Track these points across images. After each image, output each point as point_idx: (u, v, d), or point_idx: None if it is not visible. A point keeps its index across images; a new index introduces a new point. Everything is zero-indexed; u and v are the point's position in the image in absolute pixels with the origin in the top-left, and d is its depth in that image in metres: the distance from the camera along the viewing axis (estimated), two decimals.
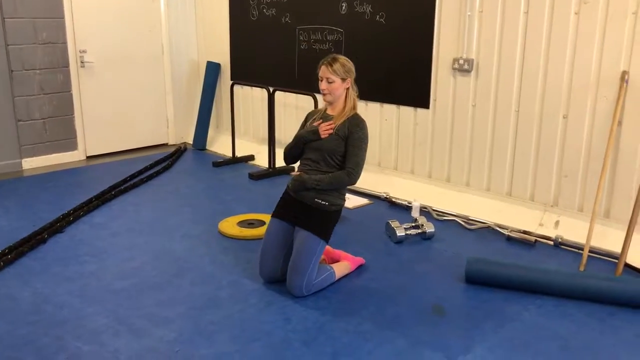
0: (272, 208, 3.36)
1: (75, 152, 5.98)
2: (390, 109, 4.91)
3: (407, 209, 4.48)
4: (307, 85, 5.40)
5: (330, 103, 3.30)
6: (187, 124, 6.84)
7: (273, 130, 5.60)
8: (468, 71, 4.35)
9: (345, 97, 3.27)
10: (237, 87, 6.12)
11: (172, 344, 2.67)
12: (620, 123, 3.67)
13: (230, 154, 6.18)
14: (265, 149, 5.97)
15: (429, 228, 3.93)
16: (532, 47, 4.01)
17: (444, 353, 2.62)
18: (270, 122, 5.59)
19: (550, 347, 2.67)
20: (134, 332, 2.77)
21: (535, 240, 3.88)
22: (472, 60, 4.31)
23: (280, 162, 5.62)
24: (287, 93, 5.68)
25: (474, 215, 4.30)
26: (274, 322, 2.87)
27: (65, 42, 5.71)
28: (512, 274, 3.19)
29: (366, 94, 4.97)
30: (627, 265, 3.45)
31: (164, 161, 5.94)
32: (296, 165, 3.44)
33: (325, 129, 3.20)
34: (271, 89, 5.53)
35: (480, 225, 4.18)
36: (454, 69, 4.43)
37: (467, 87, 4.39)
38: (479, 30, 4.26)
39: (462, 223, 4.23)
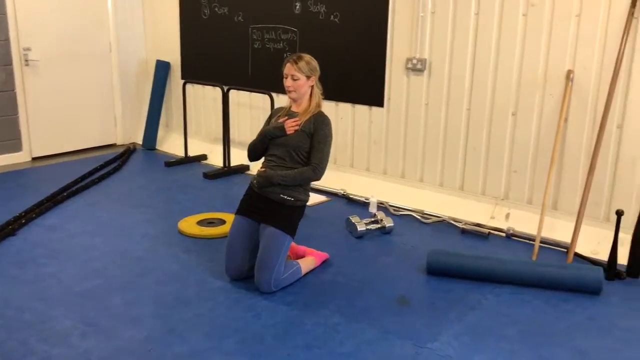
0: (230, 207, 3.38)
1: (20, 153, 5.78)
2: (345, 107, 5.00)
3: (365, 205, 4.57)
4: (261, 83, 5.43)
5: (295, 100, 3.34)
6: (136, 124, 6.72)
7: (228, 129, 5.59)
8: (421, 71, 4.49)
9: (310, 94, 3.33)
10: (187, 86, 6.06)
11: (144, 343, 2.65)
12: (566, 119, 3.88)
13: (181, 154, 6.12)
14: (217, 148, 5.95)
15: (388, 223, 4.04)
16: (482, 48, 4.18)
17: (413, 341, 2.71)
18: (225, 121, 5.57)
19: (511, 332, 2.81)
20: (103, 332, 2.73)
21: (489, 233, 4.05)
22: (425, 60, 4.45)
23: (235, 161, 5.62)
24: (240, 92, 5.67)
25: (428, 209, 4.44)
26: (244, 319, 2.89)
27: (7, 40, 5.50)
28: (471, 265, 3.33)
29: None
30: (576, 254, 3.66)
31: (114, 162, 5.82)
32: (260, 162, 3.47)
33: (291, 125, 3.25)
34: (225, 88, 5.52)
35: (435, 219, 4.33)
36: (407, 68, 4.56)
37: (420, 86, 4.53)
38: (431, 31, 4.40)
39: (418, 217, 4.37)
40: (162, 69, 6.42)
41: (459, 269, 3.34)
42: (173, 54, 6.40)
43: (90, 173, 5.36)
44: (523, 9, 3.96)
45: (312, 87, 3.32)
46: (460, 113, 4.37)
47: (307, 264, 3.40)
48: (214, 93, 6.02)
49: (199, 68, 6.13)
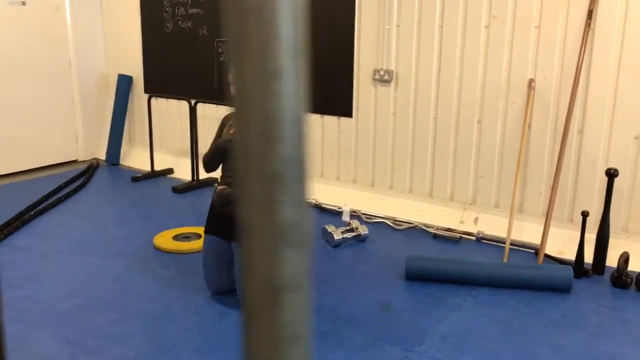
0: (203, 220, 3.35)
1: None
2: (314, 118, 5.07)
3: (337, 213, 4.65)
4: (228, 96, 5.44)
5: None
6: (98, 139, 6.62)
7: (196, 143, 5.58)
8: (388, 81, 4.61)
9: None
10: (151, 100, 6.01)
11: None
12: (529, 126, 4.06)
13: (145, 168, 6.06)
14: (183, 161, 5.93)
15: (364, 231, 4.12)
16: (447, 58, 4.33)
17: (401, 346, 2.79)
18: (193, 134, 5.57)
19: (493, 332, 2.93)
20: (91, 352, 2.71)
21: (460, 237, 4.18)
22: (392, 71, 4.57)
23: (204, 174, 5.60)
24: (206, 104, 5.67)
25: (399, 216, 4.55)
26: (233, 332, 2.91)
27: None
28: (449, 269, 3.44)
29: None
30: (545, 255, 3.82)
31: (78, 178, 5.72)
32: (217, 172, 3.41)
33: None
34: (193, 102, 5.51)
35: (407, 225, 4.44)
36: (374, 79, 4.67)
37: (388, 96, 4.65)
38: (397, 43, 4.53)
39: (391, 224, 4.47)
40: (124, 83, 6.35)
41: (437, 273, 3.45)
42: (135, 68, 6.34)
43: (56, 191, 5.25)
44: (485, 21, 4.12)
45: None
46: (427, 122, 4.51)
47: None
48: (178, 106, 6.00)
49: (163, 82, 6.09)
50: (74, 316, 3.06)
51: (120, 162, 6.44)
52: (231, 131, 3.23)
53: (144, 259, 3.81)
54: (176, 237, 4.11)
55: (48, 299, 3.24)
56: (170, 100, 6.03)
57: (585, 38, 3.73)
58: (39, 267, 3.67)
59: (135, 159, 6.43)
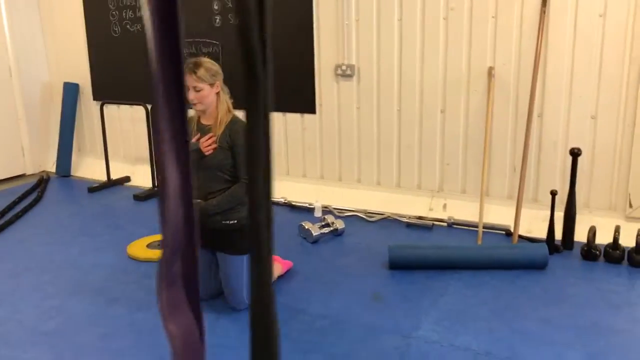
0: None
1: None
2: (276, 117, 5.07)
3: (309, 210, 4.67)
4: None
5: (203, 112, 3.08)
6: (46, 151, 6.37)
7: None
8: (350, 76, 4.66)
9: (217, 102, 3.05)
10: (97, 108, 5.82)
11: None
12: (491, 112, 4.21)
13: (99, 178, 5.89)
14: (140, 168, 5.80)
15: (340, 225, 4.17)
16: (407, 51, 4.42)
17: (400, 333, 2.86)
18: (151, 139, 5.45)
19: (483, 311, 3.04)
20: None
21: (433, 224, 4.30)
22: (354, 65, 4.63)
23: None
24: None
25: (369, 208, 4.62)
26: (232, 334, 2.89)
27: None
28: (432, 255, 3.54)
29: None
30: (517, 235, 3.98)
31: (31, 192, 5.49)
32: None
33: (207, 145, 3.00)
34: (149, 107, 5.39)
35: (379, 216, 4.52)
36: (337, 74, 4.71)
37: (351, 91, 4.70)
38: (357, 38, 4.59)
39: (364, 216, 4.53)
40: (71, 91, 6.13)
41: (420, 260, 3.54)
42: (82, 76, 6.13)
43: (10, 206, 5.02)
44: (443, 13, 4.24)
45: (218, 93, 3.04)
46: (391, 114, 4.59)
47: (275, 271, 3.45)
48: (131, 112, 5.85)
49: (114, 88, 5.92)
50: (62, 334, 2.95)
51: (72, 174, 6.22)
52: (194, 139, 3.07)
53: (122, 269, 3.72)
54: (150, 245, 4.03)
55: (30, 319, 3.11)
56: (122, 106, 5.87)
57: (541, 25, 3.90)
58: (12, 287, 3.51)
59: (87, 169, 6.23)
